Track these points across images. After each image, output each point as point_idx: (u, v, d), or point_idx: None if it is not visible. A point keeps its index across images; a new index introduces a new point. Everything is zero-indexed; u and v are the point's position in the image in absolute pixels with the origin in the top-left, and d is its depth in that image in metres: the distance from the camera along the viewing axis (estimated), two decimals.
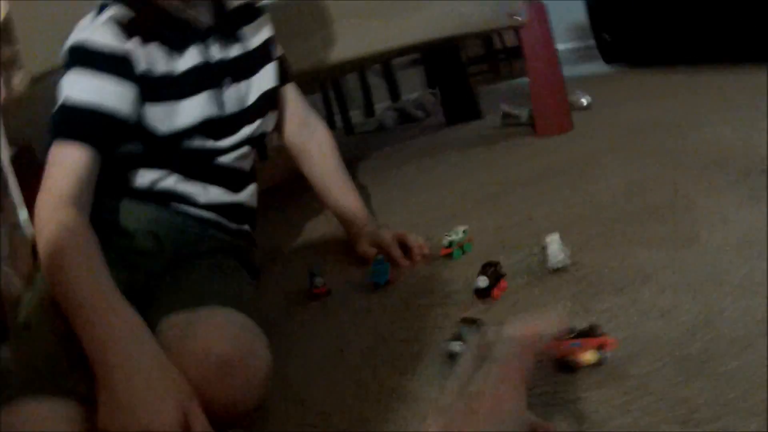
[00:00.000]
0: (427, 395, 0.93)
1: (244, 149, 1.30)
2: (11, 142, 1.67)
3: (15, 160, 1.67)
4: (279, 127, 1.51)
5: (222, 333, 0.92)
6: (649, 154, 1.74)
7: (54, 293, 0.91)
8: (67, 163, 1.02)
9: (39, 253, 0.95)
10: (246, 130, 1.29)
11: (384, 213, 1.85)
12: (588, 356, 0.86)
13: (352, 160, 2.78)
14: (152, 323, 0.93)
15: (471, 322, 0.96)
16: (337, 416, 0.94)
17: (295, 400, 1.01)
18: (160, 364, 0.84)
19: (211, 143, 1.23)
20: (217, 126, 1.22)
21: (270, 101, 1.38)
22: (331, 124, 4.57)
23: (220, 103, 1.22)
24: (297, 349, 1.18)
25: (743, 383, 0.77)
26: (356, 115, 4.76)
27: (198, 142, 1.21)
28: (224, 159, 1.26)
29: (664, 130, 1.94)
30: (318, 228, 1.90)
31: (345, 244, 1.59)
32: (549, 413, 0.81)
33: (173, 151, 1.19)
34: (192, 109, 1.18)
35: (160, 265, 1.14)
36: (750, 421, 0.71)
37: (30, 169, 1.44)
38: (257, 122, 1.31)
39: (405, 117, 3.87)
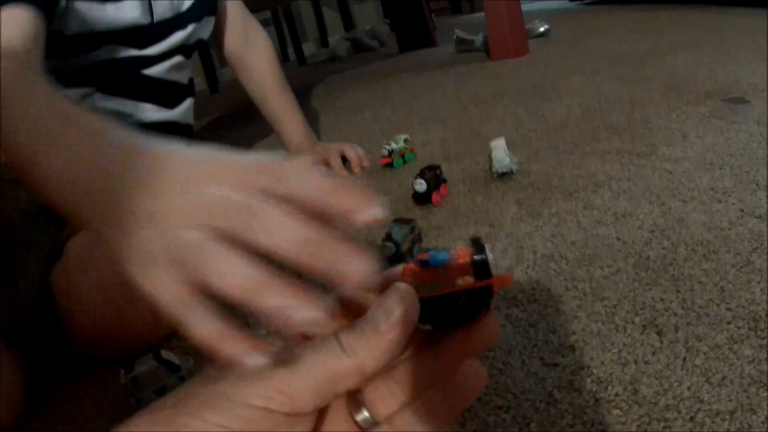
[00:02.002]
0: None
1: (177, 59, 1.15)
2: None
3: None
4: (217, 36, 1.37)
5: None
6: (606, 79, 1.60)
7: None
8: (13, 24, 0.80)
9: None
10: (178, 36, 1.13)
11: (329, 132, 1.74)
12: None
13: (302, 88, 2.61)
14: None
15: (404, 221, 0.82)
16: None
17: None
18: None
19: (134, 52, 1.06)
20: (142, 33, 1.06)
21: (208, 5, 1.22)
22: (284, 56, 4.36)
23: (149, 10, 1.06)
24: None
25: (709, 291, 0.65)
26: (311, 47, 4.55)
27: (122, 53, 1.05)
28: (154, 70, 1.10)
29: (623, 59, 1.81)
30: (261, 148, 1.76)
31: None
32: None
33: (94, 64, 1.02)
34: (117, 14, 1.00)
35: None
36: (719, 330, 0.58)
37: None
38: (190, 27, 1.15)
39: (359, 46, 3.67)
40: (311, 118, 1.90)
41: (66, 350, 0.84)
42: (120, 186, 0.35)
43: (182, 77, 1.19)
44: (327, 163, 1.33)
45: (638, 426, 0.50)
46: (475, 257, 0.27)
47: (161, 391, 0.70)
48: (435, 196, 1.00)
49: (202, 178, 0.31)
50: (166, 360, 0.71)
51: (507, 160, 1.01)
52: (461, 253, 0.28)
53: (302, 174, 0.29)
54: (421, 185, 0.98)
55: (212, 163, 0.31)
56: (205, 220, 0.29)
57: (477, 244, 0.27)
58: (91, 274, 0.77)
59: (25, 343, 0.81)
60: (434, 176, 1.00)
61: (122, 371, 0.70)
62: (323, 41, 4.49)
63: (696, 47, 1.77)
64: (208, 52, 3.63)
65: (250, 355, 0.27)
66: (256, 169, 0.30)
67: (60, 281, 0.82)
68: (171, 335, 0.83)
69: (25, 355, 0.80)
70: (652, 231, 0.79)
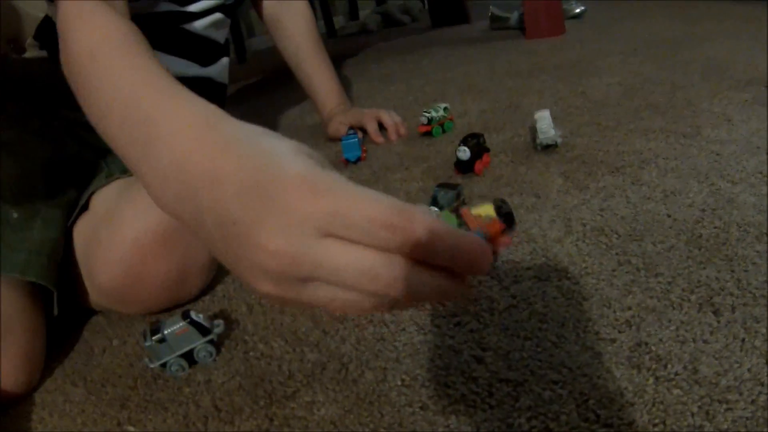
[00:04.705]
0: None
1: (217, 15, 1.10)
2: None
3: None
4: None
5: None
6: (645, 61, 1.54)
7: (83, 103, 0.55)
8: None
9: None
10: None
11: (362, 100, 1.69)
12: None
13: (333, 58, 2.54)
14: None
15: (450, 186, 0.78)
16: None
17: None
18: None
19: (174, 6, 1.02)
20: None
21: None
22: None
23: None
24: None
25: (764, 272, 0.61)
26: (341, 21, 4.47)
27: (162, 6, 1.00)
28: (193, 26, 1.06)
29: (660, 43, 1.74)
30: (292, 116, 1.71)
31: (320, 128, 1.41)
32: (539, 286, 0.65)
33: (134, 17, 0.97)
34: None
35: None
36: None
37: None
38: None
39: (389, 21, 3.59)
40: (344, 86, 1.84)
41: (78, 304, 0.81)
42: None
43: (220, 36, 1.15)
44: (363, 128, 1.29)
45: (699, 407, 0.46)
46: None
47: (188, 356, 0.65)
48: (478, 165, 0.96)
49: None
50: (197, 322, 0.66)
51: (552, 132, 0.96)
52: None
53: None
54: (464, 153, 0.94)
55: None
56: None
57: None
58: (117, 230, 0.74)
59: (46, 293, 0.76)
60: (477, 144, 0.96)
61: (148, 332, 0.64)
62: (353, 14, 4.40)
63: (733, 36, 1.70)
64: (236, 22, 3.57)
65: None
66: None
67: (82, 231, 0.79)
68: (198, 297, 0.79)
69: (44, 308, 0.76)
70: (703, 210, 0.74)
